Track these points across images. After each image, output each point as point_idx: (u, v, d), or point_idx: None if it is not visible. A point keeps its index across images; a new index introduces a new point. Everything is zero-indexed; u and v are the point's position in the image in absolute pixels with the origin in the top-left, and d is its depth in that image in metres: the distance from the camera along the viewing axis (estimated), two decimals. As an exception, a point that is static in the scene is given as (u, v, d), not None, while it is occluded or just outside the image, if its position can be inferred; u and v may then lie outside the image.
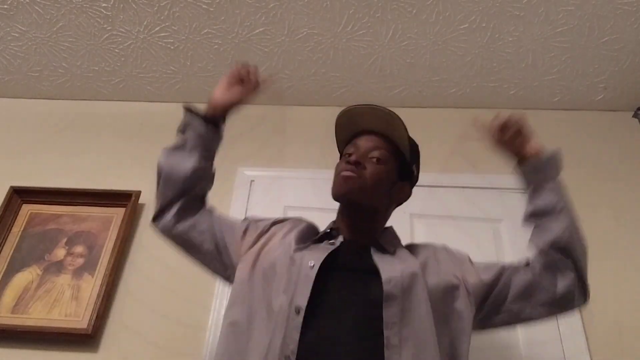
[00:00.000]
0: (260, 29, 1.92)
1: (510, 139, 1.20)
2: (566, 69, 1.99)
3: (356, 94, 2.18)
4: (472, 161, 2.05)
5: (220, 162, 2.10)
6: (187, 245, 1.17)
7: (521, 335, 1.65)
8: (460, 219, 1.89)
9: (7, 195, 1.96)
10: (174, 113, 2.29)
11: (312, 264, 0.97)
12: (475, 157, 2.06)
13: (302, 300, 0.91)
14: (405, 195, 1.19)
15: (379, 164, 1.09)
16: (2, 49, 2.09)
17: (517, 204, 1.91)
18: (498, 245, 1.83)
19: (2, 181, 2.02)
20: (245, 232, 1.17)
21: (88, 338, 1.66)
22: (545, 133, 2.11)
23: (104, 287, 1.74)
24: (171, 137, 2.31)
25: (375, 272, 0.98)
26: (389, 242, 1.10)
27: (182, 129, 1.29)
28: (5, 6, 1.90)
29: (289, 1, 1.80)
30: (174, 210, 1.15)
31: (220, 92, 1.30)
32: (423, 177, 2.01)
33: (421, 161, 2.19)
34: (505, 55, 1.95)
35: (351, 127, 1.16)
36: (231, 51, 2.02)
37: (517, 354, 1.62)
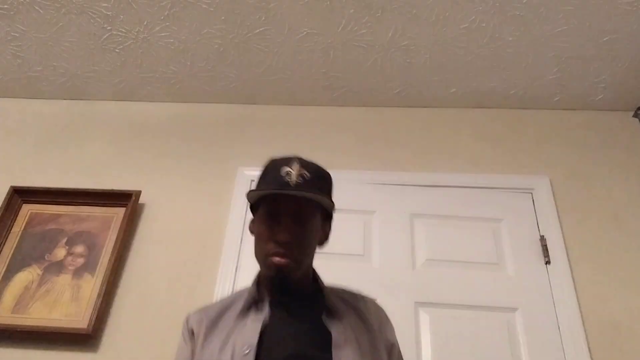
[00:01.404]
0: (260, 29, 1.92)
1: None
2: (566, 69, 1.99)
3: (356, 94, 2.18)
4: (472, 161, 2.05)
5: (220, 162, 2.12)
6: None
7: (521, 335, 1.65)
8: (460, 219, 1.89)
9: (7, 195, 1.96)
10: (174, 113, 2.31)
11: (246, 348, 0.90)
12: (475, 157, 2.06)
13: None
14: (329, 234, 1.09)
15: (306, 228, 0.99)
16: (2, 49, 2.09)
17: (517, 204, 1.92)
18: (498, 245, 1.83)
19: (2, 181, 2.03)
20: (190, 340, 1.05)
21: (88, 338, 1.66)
22: (545, 133, 2.13)
23: (104, 287, 1.74)
24: (171, 137, 2.31)
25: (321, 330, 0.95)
26: (333, 302, 1.03)
27: None
28: (6, 6, 1.90)
29: (289, 1, 1.80)
30: None
31: None
32: (423, 177, 2.03)
33: (422, 161, 2.20)
34: (505, 55, 1.95)
35: (267, 188, 1.01)
36: (231, 51, 2.02)
37: (517, 354, 1.62)
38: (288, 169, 1.00)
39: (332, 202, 1.02)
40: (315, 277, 1.08)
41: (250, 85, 2.18)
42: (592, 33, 1.83)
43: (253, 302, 1.00)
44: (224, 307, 1.04)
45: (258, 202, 1.04)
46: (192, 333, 1.02)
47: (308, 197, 0.98)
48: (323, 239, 1.07)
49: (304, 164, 1.02)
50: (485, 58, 1.96)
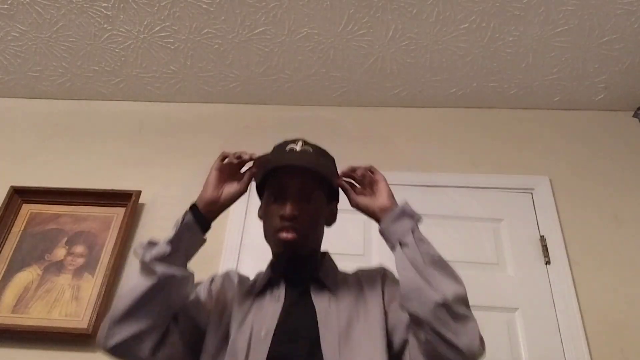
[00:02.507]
0: (260, 29, 1.92)
1: (361, 195, 1.02)
2: (566, 69, 1.99)
3: (356, 94, 2.18)
4: (472, 161, 2.05)
5: (220, 162, 2.12)
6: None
7: (521, 335, 1.65)
8: (460, 219, 1.89)
9: (7, 195, 1.96)
10: (174, 113, 2.31)
11: (264, 333, 0.91)
12: (475, 157, 2.06)
13: None
14: (335, 215, 1.10)
15: (312, 204, 1.00)
16: (2, 49, 2.09)
17: (517, 204, 1.92)
18: (498, 245, 1.83)
19: (2, 181, 2.03)
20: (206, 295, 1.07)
21: (88, 338, 1.66)
22: (545, 133, 2.13)
23: (104, 287, 1.74)
24: (171, 137, 2.30)
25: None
26: (329, 277, 1.02)
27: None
28: (6, 6, 1.90)
29: (289, 1, 1.80)
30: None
31: (211, 190, 1.07)
32: (423, 177, 2.03)
33: (422, 161, 2.20)
34: (505, 55, 1.95)
35: (271, 162, 1.04)
36: (231, 51, 2.02)
37: (517, 354, 1.62)
38: (292, 145, 1.05)
39: (337, 172, 1.05)
40: (322, 262, 1.07)
41: (250, 85, 2.18)
42: (592, 33, 1.83)
43: (269, 284, 1.02)
44: (244, 285, 1.06)
45: (263, 183, 1.06)
46: (211, 292, 1.05)
47: (310, 167, 1.00)
48: (330, 218, 1.09)
49: (308, 142, 1.06)
50: (485, 58, 1.96)
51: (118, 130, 2.23)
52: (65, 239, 1.88)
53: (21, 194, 1.98)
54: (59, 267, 1.82)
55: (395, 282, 0.99)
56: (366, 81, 2.11)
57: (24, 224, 1.92)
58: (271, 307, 0.97)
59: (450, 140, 2.12)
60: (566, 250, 1.79)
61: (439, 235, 1.86)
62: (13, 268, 1.82)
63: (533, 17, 1.79)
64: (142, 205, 1.97)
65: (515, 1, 1.74)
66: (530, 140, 2.09)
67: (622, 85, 2.04)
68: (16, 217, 1.93)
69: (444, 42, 1.91)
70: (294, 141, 1.06)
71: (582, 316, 1.66)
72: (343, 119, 2.19)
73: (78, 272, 1.80)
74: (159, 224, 1.93)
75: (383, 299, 0.98)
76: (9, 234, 1.89)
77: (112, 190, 1.97)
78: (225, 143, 2.16)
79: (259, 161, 1.02)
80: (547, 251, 1.79)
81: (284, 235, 0.97)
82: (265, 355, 0.88)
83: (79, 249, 1.86)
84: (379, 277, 1.03)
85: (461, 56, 1.96)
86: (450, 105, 2.20)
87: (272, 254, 1.06)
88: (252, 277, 1.10)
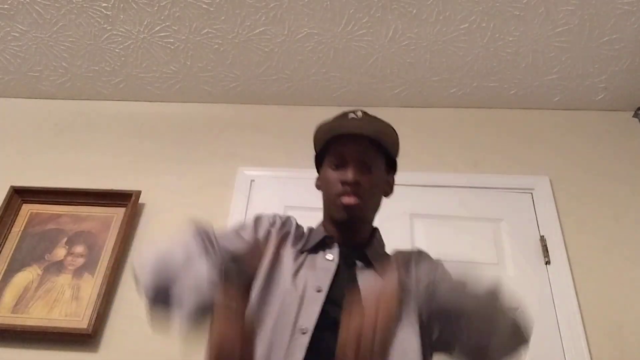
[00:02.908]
0: (260, 29, 1.92)
1: None
2: (566, 69, 1.99)
3: (356, 94, 2.18)
4: (472, 161, 2.05)
5: (220, 162, 2.12)
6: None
7: (521, 335, 1.65)
8: (460, 219, 1.89)
9: (7, 195, 1.96)
10: (174, 113, 2.31)
11: (319, 289, 0.91)
12: (475, 157, 2.06)
13: (309, 322, 0.87)
14: (392, 187, 1.12)
15: (372, 173, 1.01)
16: (2, 49, 2.09)
17: (517, 204, 1.92)
18: (498, 245, 1.83)
19: (2, 181, 2.03)
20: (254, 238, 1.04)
21: (88, 338, 1.66)
22: (545, 133, 2.13)
23: (104, 287, 1.74)
24: (171, 137, 2.30)
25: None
26: (376, 254, 1.03)
27: None
28: (6, 6, 1.90)
29: (289, 1, 1.80)
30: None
31: None
32: (423, 177, 2.03)
33: (421, 161, 2.20)
34: (505, 55, 1.95)
35: (331, 131, 1.05)
36: (231, 51, 2.02)
37: (517, 354, 1.62)
38: (352, 114, 1.05)
39: (398, 148, 1.07)
40: (372, 238, 1.07)
41: (250, 85, 2.18)
42: (592, 33, 1.83)
43: (322, 243, 1.02)
44: (299, 235, 1.05)
45: (322, 153, 1.07)
46: (260, 231, 1.03)
47: (373, 135, 1.01)
48: (388, 189, 1.10)
49: (369, 114, 1.06)
50: (485, 58, 1.96)
51: (118, 130, 2.23)
52: (65, 239, 1.88)
53: (21, 194, 1.98)
54: (59, 267, 1.82)
55: (429, 261, 1.04)
56: (366, 81, 2.11)
57: (24, 224, 1.92)
58: (324, 266, 0.97)
59: (450, 140, 2.12)
60: (566, 250, 1.79)
61: (439, 235, 1.86)
62: (13, 268, 1.82)
63: (533, 17, 1.79)
64: (142, 205, 1.97)
65: (515, 1, 1.74)
66: (530, 140, 2.09)
67: (622, 85, 2.04)
68: (16, 217, 1.93)
69: (444, 42, 1.91)
70: (354, 111, 1.06)
71: (582, 316, 1.66)
72: (343, 119, 2.19)
73: (78, 272, 1.80)
74: (159, 224, 1.94)
75: (416, 280, 0.96)
76: (9, 234, 1.89)
77: (112, 190, 1.97)
78: (226, 143, 2.16)
79: (321, 128, 1.04)
80: (547, 251, 1.79)
81: (347, 199, 0.98)
82: (317, 315, 0.87)
83: (79, 249, 1.86)
84: (412, 259, 1.03)
85: (461, 56, 1.96)
86: (450, 105, 2.20)
87: (331, 221, 1.05)
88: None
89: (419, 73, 2.06)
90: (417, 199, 1.94)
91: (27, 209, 1.96)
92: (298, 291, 0.91)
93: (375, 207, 1.07)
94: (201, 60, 2.07)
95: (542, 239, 1.82)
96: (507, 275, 1.77)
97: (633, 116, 2.14)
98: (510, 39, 1.88)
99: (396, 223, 1.89)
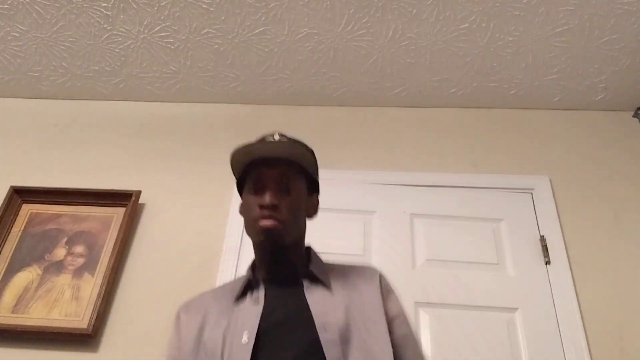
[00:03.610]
0: (260, 29, 1.92)
1: None
2: (566, 69, 1.99)
3: (356, 94, 2.18)
4: (472, 161, 2.05)
5: (220, 162, 2.12)
6: None
7: (521, 335, 1.65)
8: (460, 219, 1.89)
9: (7, 195, 1.96)
10: (174, 113, 2.31)
11: (245, 340, 0.88)
12: (475, 157, 2.06)
13: None
14: (317, 207, 1.10)
15: (292, 195, 1.00)
16: (2, 49, 2.09)
17: (517, 204, 1.92)
18: (498, 245, 1.83)
19: (2, 181, 2.03)
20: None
21: (88, 338, 1.66)
22: (545, 133, 2.13)
23: (104, 287, 1.74)
24: (171, 137, 2.31)
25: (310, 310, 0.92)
26: (320, 270, 1.01)
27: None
28: (5, 6, 1.90)
29: (289, 1, 1.80)
30: None
31: None
32: (423, 177, 2.03)
33: (421, 161, 2.20)
34: (505, 55, 1.95)
35: (247, 155, 1.04)
36: (231, 51, 2.02)
37: (517, 354, 1.62)
38: (270, 137, 1.06)
39: (317, 169, 1.06)
40: (309, 257, 1.06)
41: (250, 85, 2.18)
42: (592, 33, 1.83)
43: (249, 285, 1.00)
44: (218, 296, 1.03)
45: (243, 177, 1.07)
46: (181, 325, 1.01)
47: (288, 157, 1.01)
48: (311, 210, 1.08)
49: (285, 135, 1.07)
50: (485, 58, 1.96)
51: (118, 130, 2.23)
52: (65, 239, 1.88)
53: (21, 194, 1.98)
54: (59, 267, 1.82)
55: (392, 292, 1.02)
56: (366, 81, 2.12)
57: (24, 224, 1.92)
58: (251, 310, 0.93)
59: (450, 140, 2.12)
60: (566, 250, 1.79)
61: (439, 235, 1.86)
62: (13, 268, 1.82)
63: (533, 17, 1.79)
64: (142, 205, 1.97)
65: (515, 1, 1.74)
66: (530, 140, 2.09)
67: (622, 85, 2.04)
68: (16, 217, 1.93)
69: (444, 42, 1.91)
70: (271, 134, 1.07)
71: (582, 316, 1.66)
72: (343, 119, 2.19)
73: (78, 272, 1.80)
74: (159, 224, 1.94)
75: (385, 307, 0.97)
76: (9, 234, 1.89)
77: (112, 190, 1.97)
78: (226, 143, 2.16)
79: (237, 154, 1.03)
80: (547, 251, 1.79)
81: (264, 222, 0.95)
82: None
83: (79, 249, 1.86)
84: (376, 280, 1.02)
85: (461, 56, 1.96)
86: (450, 105, 2.20)
87: (254, 247, 1.03)
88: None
89: (419, 73, 2.06)
90: (417, 199, 1.94)
91: (27, 209, 1.96)
92: (218, 349, 0.89)
93: (298, 228, 1.03)
94: (201, 60, 2.07)
95: (542, 239, 1.82)
96: (507, 275, 1.77)
97: (633, 116, 2.14)
98: (510, 39, 1.88)
99: (396, 223, 1.89)
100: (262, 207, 0.97)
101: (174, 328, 1.03)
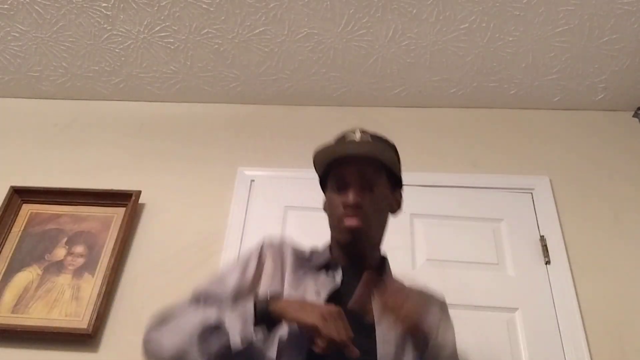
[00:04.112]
0: (260, 29, 1.92)
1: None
2: (566, 69, 1.99)
3: (356, 94, 2.18)
4: (472, 161, 2.05)
5: (220, 162, 2.12)
6: None
7: (521, 335, 1.65)
8: (460, 219, 1.89)
9: (7, 195, 1.96)
10: (174, 113, 2.31)
11: (318, 293, 0.93)
12: (475, 157, 2.06)
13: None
14: (400, 202, 1.11)
15: (375, 193, 1.01)
16: (2, 49, 2.09)
17: (517, 204, 1.92)
18: (498, 245, 1.83)
19: (2, 181, 2.02)
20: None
21: (88, 338, 1.66)
22: (545, 133, 2.13)
23: (104, 287, 1.74)
24: (171, 137, 2.30)
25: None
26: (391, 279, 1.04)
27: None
28: (6, 6, 1.90)
29: (289, 1, 1.80)
30: None
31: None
32: (423, 177, 2.03)
33: (421, 161, 2.20)
34: (505, 55, 1.95)
35: (330, 154, 1.04)
36: (231, 51, 2.02)
37: (517, 354, 1.62)
38: (351, 135, 1.05)
39: (399, 164, 1.07)
40: (384, 266, 1.08)
41: (250, 85, 2.18)
42: (592, 33, 1.83)
43: (327, 265, 1.02)
44: (302, 258, 1.05)
45: (326, 175, 1.07)
46: (264, 262, 1.02)
47: (370, 155, 1.01)
48: (395, 206, 1.10)
49: (366, 131, 1.06)
50: (485, 58, 1.96)
51: (118, 130, 2.23)
52: (65, 239, 1.88)
53: (21, 194, 1.97)
54: (59, 267, 1.82)
55: (449, 320, 1.05)
56: (366, 81, 2.11)
57: (24, 224, 1.92)
58: (328, 281, 0.97)
59: (450, 140, 2.12)
60: (566, 250, 1.79)
61: (439, 235, 1.86)
62: (13, 268, 1.82)
63: (533, 17, 1.79)
64: (142, 205, 1.97)
65: (515, 1, 1.74)
66: (530, 140, 2.09)
67: (622, 85, 2.04)
68: (16, 217, 1.93)
69: (444, 42, 1.91)
70: (352, 131, 1.06)
71: (582, 316, 1.66)
72: (344, 119, 2.19)
73: (78, 272, 1.80)
74: (159, 224, 1.94)
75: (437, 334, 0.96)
76: (9, 234, 1.89)
77: (112, 190, 1.97)
78: (226, 143, 2.16)
79: (319, 154, 1.04)
80: (547, 251, 1.79)
81: (349, 221, 0.97)
82: None
83: (79, 249, 1.86)
84: (437, 308, 1.05)
85: (461, 56, 1.96)
86: (450, 105, 2.20)
87: (335, 243, 1.05)
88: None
89: (419, 73, 2.06)
90: (417, 199, 1.94)
91: (27, 209, 1.96)
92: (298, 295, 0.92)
93: (381, 225, 1.06)
94: (201, 60, 2.07)
95: (542, 239, 1.82)
96: (507, 275, 1.77)
97: (633, 116, 2.14)
98: (510, 39, 1.88)
99: (396, 223, 1.88)
100: (346, 205, 0.99)
101: (253, 256, 1.03)
